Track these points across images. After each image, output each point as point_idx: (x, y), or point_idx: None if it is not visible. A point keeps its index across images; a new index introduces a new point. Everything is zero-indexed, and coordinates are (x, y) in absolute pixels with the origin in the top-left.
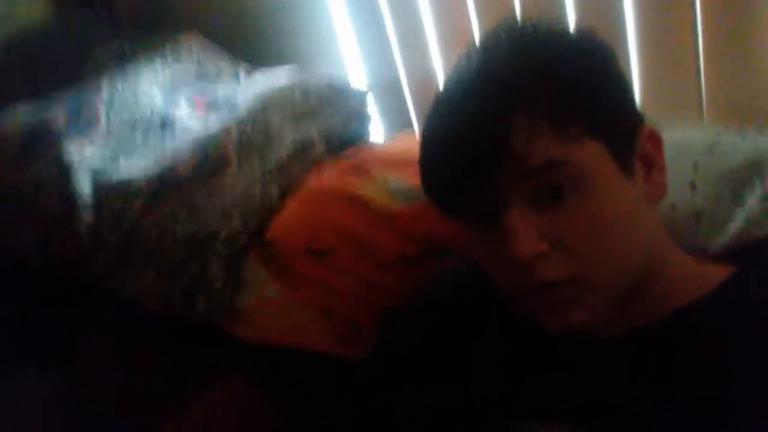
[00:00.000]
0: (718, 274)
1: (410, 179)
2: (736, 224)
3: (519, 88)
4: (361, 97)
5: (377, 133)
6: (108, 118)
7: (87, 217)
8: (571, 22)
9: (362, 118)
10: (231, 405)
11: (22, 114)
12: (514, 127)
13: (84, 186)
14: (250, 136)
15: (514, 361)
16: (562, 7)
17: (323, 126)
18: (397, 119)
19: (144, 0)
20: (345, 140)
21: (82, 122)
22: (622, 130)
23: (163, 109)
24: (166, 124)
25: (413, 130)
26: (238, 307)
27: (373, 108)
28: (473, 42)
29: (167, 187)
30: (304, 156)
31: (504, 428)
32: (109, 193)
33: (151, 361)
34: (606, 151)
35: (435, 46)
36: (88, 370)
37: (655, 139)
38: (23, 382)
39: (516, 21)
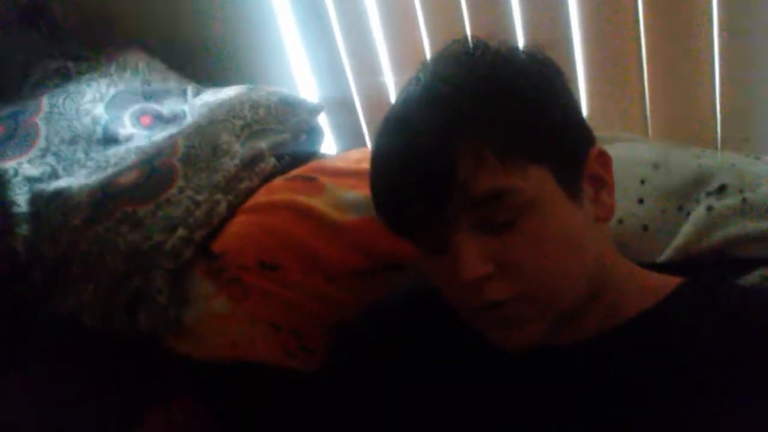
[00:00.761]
0: (665, 285)
1: (363, 190)
2: (681, 237)
3: (464, 116)
4: (312, 109)
5: (330, 151)
6: (47, 134)
7: (23, 231)
8: (520, 40)
9: (314, 131)
10: (175, 426)
11: None
12: (460, 159)
13: (20, 200)
14: (197, 149)
15: (465, 375)
16: (512, 26)
17: (273, 140)
18: (350, 137)
19: (90, 18)
20: (296, 155)
21: (20, 137)
22: (569, 155)
23: (106, 126)
24: (109, 140)
25: (366, 148)
26: (184, 322)
27: (325, 125)
28: (424, 61)
29: (110, 200)
30: (253, 170)
31: None
32: (48, 207)
33: (90, 382)
34: (551, 176)
35: (387, 64)
36: (23, 391)
37: (605, 160)
38: None
39: (465, 41)
